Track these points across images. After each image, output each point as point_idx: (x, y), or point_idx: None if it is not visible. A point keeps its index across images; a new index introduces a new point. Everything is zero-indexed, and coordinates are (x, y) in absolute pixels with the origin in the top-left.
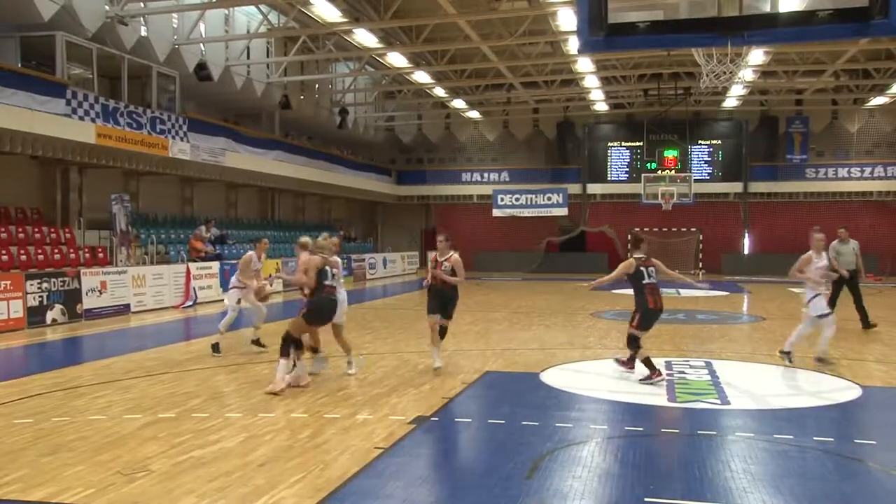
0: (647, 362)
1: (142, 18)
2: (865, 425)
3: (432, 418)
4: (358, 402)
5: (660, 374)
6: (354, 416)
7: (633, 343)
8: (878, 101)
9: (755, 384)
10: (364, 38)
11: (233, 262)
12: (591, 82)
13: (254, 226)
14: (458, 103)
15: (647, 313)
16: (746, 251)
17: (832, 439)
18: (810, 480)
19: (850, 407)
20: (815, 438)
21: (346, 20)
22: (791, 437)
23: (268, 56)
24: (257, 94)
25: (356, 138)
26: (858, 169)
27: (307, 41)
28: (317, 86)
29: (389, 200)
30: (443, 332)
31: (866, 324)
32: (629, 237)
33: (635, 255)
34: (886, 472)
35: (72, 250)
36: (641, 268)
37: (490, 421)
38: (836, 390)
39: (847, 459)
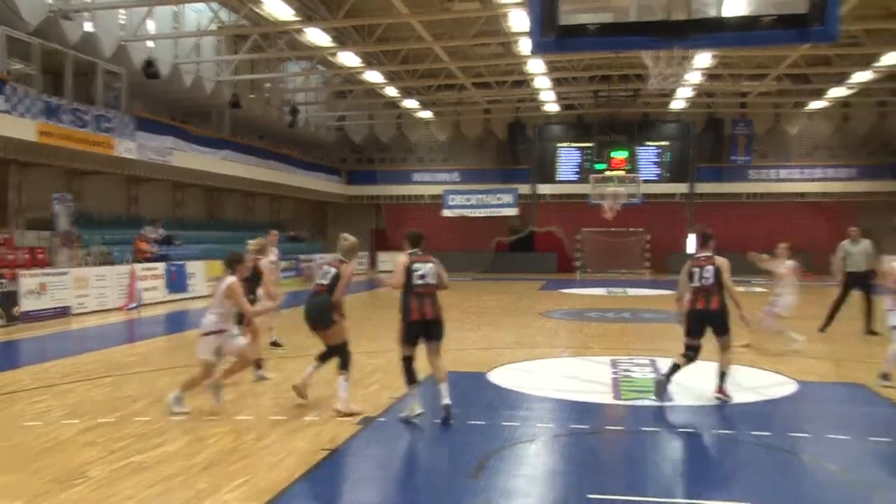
0: (672, 369)
1: (87, 13)
2: (800, 419)
3: (379, 419)
4: (304, 403)
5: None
6: (301, 417)
7: (685, 351)
8: (817, 104)
9: (697, 381)
10: (316, 37)
11: (179, 263)
12: (542, 83)
13: (201, 226)
14: (410, 103)
15: (687, 315)
16: (691, 250)
17: (769, 433)
18: (748, 473)
19: (787, 402)
20: (752, 433)
21: (298, 19)
22: (731, 431)
23: (218, 54)
24: (207, 92)
25: (307, 138)
26: (798, 171)
27: (258, 40)
28: (267, 85)
29: (340, 200)
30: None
31: (825, 326)
32: (697, 234)
33: (694, 255)
34: (818, 464)
35: (9, 251)
36: (693, 269)
37: (437, 421)
38: (775, 385)
39: (782, 452)
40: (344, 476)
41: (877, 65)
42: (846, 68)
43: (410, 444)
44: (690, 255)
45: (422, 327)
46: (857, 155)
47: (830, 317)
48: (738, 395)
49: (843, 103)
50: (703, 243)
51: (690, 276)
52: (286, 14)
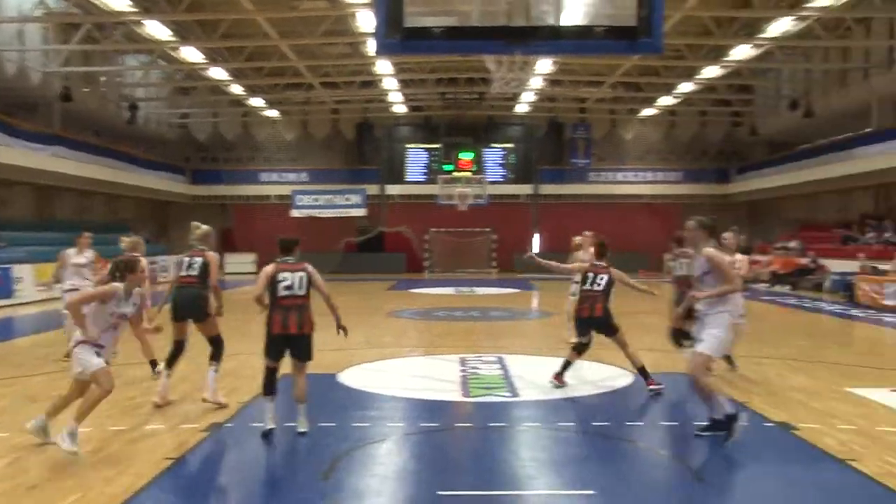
0: (564, 366)
1: None
2: (635, 408)
3: (227, 425)
4: (147, 411)
5: (561, 381)
6: (143, 426)
7: (573, 348)
8: (647, 112)
9: (542, 376)
10: (155, 30)
11: (4, 266)
12: (390, 84)
13: (30, 227)
14: (256, 101)
15: (575, 321)
16: (536, 250)
17: (608, 423)
18: (589, 463)
19: (624, 392)
20: (593, 424)
21: (135, 10)
22: (573, 424)
23: (46, 43)
24: (33, 83)
25: (148, 135)
26: (633, 174)
27: (92, 30)
28: (103, 78)
29: (184, 200)
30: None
31: None
32: (595, 244)
33: (593, 262)
34: (653, 451)
35: None
36: (588, 273)
37: (287, 424)
38: (612, 378)
39: (620, 441)
40: (189, 485)
41: (698, 77)
42: (672, 79)
43: (260, 449)
44: (592, 266)
45: (285, 342)
46: (682, 160)
47: None
48: (580, 389)
49: (671, 111)
50: (601, 254)
51: (584, 280)
52: (121, 4)
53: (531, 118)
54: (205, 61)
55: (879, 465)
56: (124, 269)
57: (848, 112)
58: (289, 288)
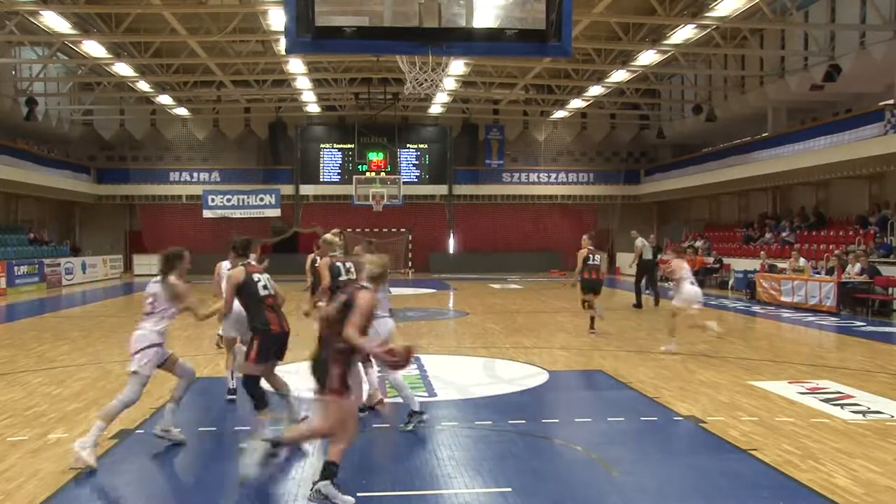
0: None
1: None
2: (551, 406)
3: (137, 431)
4: (50, 420)
5: None
6: (45, 436)
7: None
8: (560, 114)
9: (459, 375)
10: (54, 21)
11: None
12: (303, 83)
13: None
14: (165, 99)
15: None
16: (452, 250)
17: (524, 421)
18: (506, 460)
19: (539, 390)
20: (510, 422)
21: (29, 0)
22: (490, 422)
23: None
24: None
25: (49, 132)
26: (546, 175)
27: None
28: None
29: (88, 200)
30: None
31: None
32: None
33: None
34: (568, 446)
35: None
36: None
37: (201, 429)
38: (528, 376)
39: (536, 438)
40: (97, 497)
41: (607, 81)
42: (582, 83)
43: (172, 456)
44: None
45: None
46: (594, 161)
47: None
48: (496, 387)
49: (582, 114)
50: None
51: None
52: None
53: (445, 119)
54: (108, 56)
55: (778, 453)
56: None
57: (746, 117)
58: (265, 288)
